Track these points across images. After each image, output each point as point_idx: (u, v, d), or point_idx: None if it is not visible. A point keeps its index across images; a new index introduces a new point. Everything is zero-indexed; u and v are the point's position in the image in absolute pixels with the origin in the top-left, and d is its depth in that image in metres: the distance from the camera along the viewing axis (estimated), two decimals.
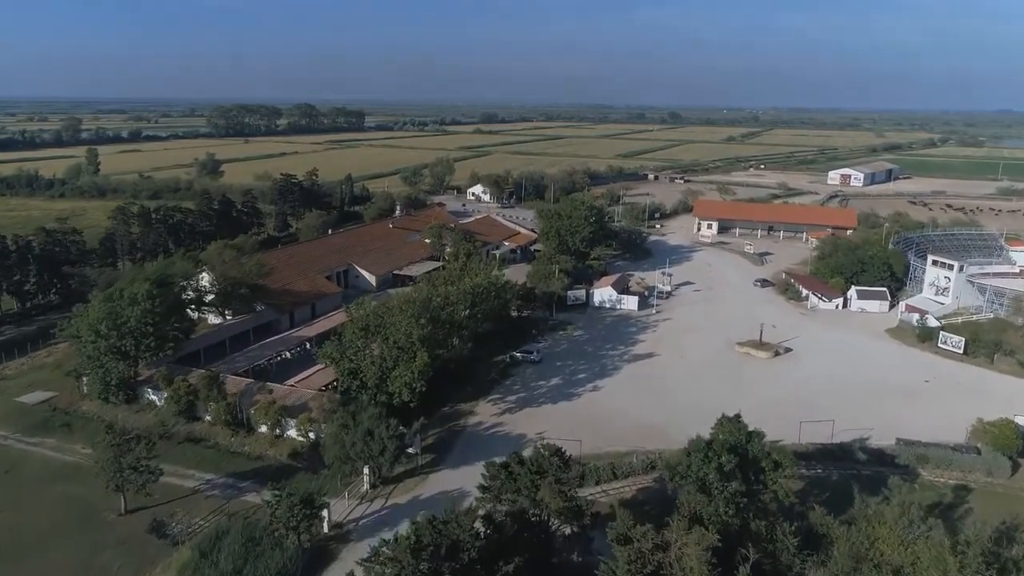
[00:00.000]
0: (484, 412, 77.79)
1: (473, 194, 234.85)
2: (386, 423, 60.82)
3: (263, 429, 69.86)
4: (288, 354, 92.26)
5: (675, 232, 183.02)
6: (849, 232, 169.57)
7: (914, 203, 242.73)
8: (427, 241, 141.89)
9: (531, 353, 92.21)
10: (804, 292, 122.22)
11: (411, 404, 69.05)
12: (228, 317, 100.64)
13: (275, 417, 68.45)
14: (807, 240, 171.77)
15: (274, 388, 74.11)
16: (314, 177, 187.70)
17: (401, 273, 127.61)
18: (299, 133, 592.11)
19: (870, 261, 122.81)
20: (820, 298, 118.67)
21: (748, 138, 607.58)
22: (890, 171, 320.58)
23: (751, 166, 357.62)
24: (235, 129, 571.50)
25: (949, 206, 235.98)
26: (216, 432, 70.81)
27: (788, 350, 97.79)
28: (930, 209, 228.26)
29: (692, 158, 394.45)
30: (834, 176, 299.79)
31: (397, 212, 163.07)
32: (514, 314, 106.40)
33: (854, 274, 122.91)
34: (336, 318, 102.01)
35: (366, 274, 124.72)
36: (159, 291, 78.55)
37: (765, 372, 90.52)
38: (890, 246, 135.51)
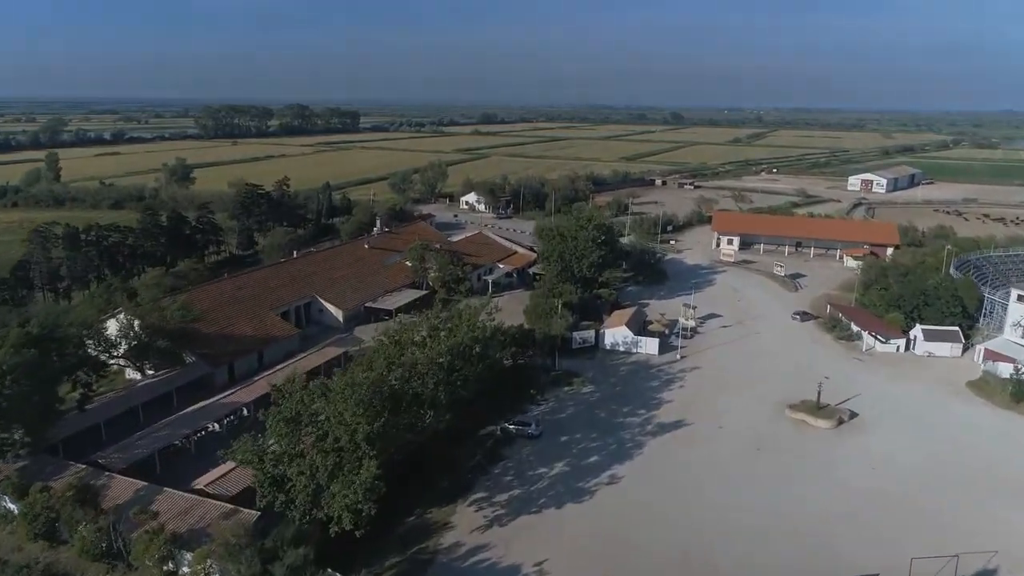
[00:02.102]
0: (464, 524, 57.33)
1: (467, 203, 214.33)
2: None
3: (149, 563, 49.47)
4: (216, 426, 71.94)
5: (692, 248, 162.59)
6: (890, 251, 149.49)
7: (947, 212, 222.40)
8: (408, 264, 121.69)
9: (528, 426, 71.84)
10: (856, 329, 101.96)
11: (357, 530, 48.75)
12: (150, 372, 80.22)
13: (162, 551, 48.12)
14: (842, 259, 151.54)
15: (168, 500, 53.51)
16: (285, 187, 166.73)
17: (374, 306, 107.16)
18: (291, 134, 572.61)
19: (935, 292, 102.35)
20: (877, 338, 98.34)
21: (754, 139, 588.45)
22: (913, 176, 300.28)
23: (763, 170, 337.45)
24: (224, 130, 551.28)
25: (986, 216, 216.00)
26: (86, 567, 50.46)
27: (853, 415, 77.46)
28: (966, 220, 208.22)
29: (699, 161, 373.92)
30: (855, 181, 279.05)
31: (376, 228, 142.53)
32: (507, 362, 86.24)
33: (915, 308, 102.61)
34: (288, 371, 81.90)
35: (331, 308, 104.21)
36: (31, 354, 58.16)
37: (830, 452, 70.09)
38: (951, 271, 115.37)
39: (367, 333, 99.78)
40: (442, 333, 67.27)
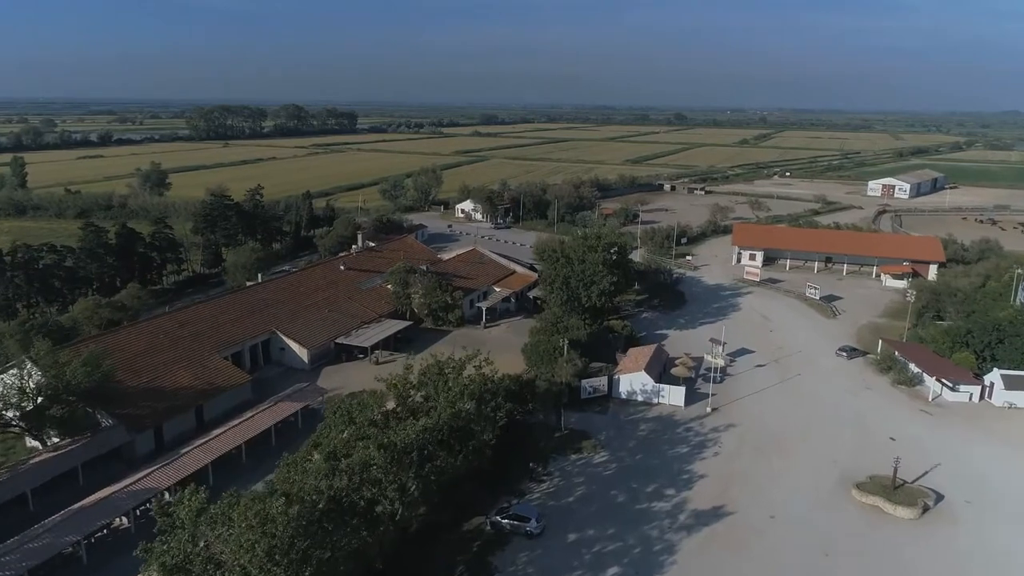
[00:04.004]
0: None
1: (463, 211, 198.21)
2: None
3: None
4: (124, 520, 55.95)
5: (709, 264, 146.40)
6: (933, 268, 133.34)
7: (980, 221, 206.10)
8: (390, 288, 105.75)
9: (526, 521, 55.45)
10: (915, 370, 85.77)
11: None
12: (55, 440, 64.15)
13: None
14: (879, 277, 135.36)
15: None
16: (258, 196, 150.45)
17: (347, 342, 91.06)
18: (286, 136, 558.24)
19: (1011, 327, 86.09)
20: (945, 385, 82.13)
21: (761, 140, 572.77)
22: (935, 180, 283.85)
23: (776, 174, 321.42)
24: (217, 132, 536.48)
25: (1022, 225, 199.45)
26: None
27: (938, 497, 61.27)
28: (1003, 229, 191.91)
29: (707, 164, 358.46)
30: (875, 186, 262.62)
31: (357, 244, 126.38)
32: (501, 419, 69.92)
33: (986, 346, 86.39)
34: (240, 430, 66.23)
35: (294, 346, 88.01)
36: None
37: (919, 558, 53.62)
38: (1020, 297, 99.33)
39: (335, 376, 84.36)
40: (418, 395, 51.11)
